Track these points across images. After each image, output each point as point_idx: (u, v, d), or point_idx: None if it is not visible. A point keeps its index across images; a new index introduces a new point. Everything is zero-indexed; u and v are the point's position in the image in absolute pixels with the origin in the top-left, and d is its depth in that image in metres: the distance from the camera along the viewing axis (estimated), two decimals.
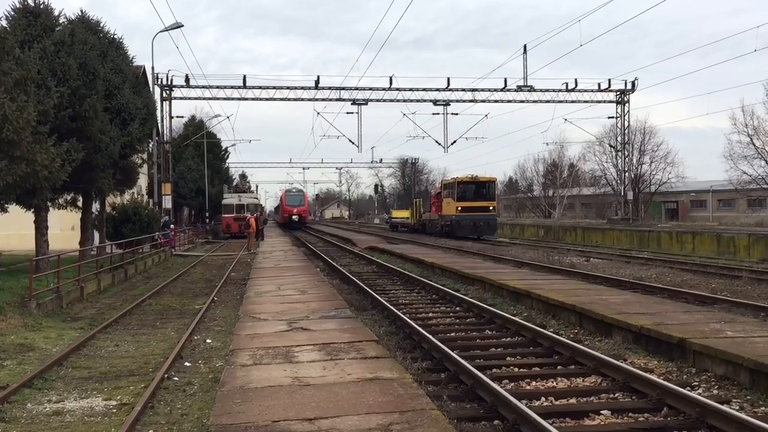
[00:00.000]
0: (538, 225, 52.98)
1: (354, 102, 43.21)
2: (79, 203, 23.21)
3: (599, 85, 44.98)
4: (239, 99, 42.50)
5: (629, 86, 45.22)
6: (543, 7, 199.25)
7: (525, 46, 45.26)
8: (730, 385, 7.58)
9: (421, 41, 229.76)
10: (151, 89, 33.29)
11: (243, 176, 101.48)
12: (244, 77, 41.80)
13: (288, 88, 42.86)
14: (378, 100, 43.62)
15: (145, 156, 33.66)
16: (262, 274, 19.59)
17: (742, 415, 6.09)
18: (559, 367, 8.64)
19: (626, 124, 47.11)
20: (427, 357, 9.22)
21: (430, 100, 44.17)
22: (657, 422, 6.50)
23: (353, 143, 46.10)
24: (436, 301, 15.03)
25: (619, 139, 48.16)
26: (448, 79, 43.58)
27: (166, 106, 41.36)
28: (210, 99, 43.23)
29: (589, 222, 55.10)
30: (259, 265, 22.66)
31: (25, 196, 17.42)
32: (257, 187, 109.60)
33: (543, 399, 7.31)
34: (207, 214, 58.80)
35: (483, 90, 43.80)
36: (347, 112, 44.25)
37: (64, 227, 28.81)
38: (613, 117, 46.93)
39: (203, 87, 42.16)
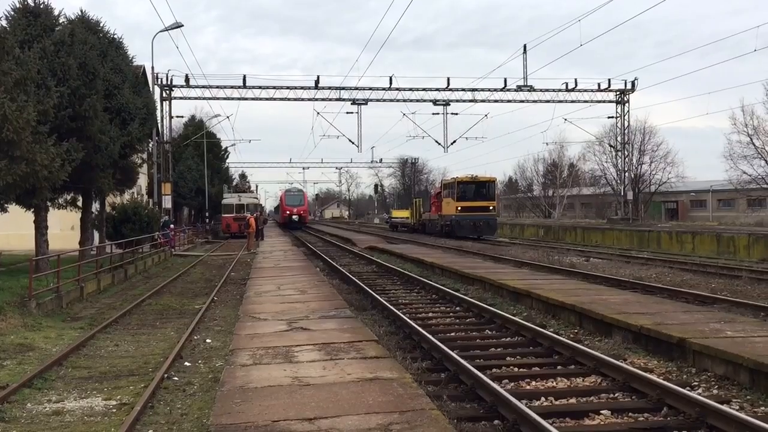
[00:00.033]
0: (538, 225, 52.98)
1: (354, 102, 43.18)
2: (79, 203, 23.21)
3: (599, 85, 44.96)
4: (239, 99, 42.53)
5: (629, 86, 45.22)
6: (543, 7, 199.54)
7: (525, 46, 45.38)
8: (730, 384, 7.59)
9: (421, 41, 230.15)
10: (151, 89, 33.32)
11: (243, 176, 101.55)
12: (244, 77, 41.86)
13: (288, 88, 42.89)
14: (378, 100, 43.62)
15: (145, 156, 33.68)
16: (262, 273, 19.59)
17: (742, 415, 6.09)
18: (559, 367, 8.65)
19: (626, 124, 47.15)
20: (427, 357, 9.22)
21: (430, 100, 44.13)
22: (657, 422, 6.50)
23: (353, 143, 46.17)
24: (435, 301, 15.03)
25: (618, 139, 48.18)
26: (448, 79, 43.63)
27: (166, 106, 41.34)
28: (210, 99, 43.34)
29: (588, 222, 55.07)
30: (259, 265, 22.66)
31: (25, 195, 17.41)
32: (257, 187, 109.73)
33: (543, 399, 7.32)
34: (207, 214, 58.79)
35: (483, 90, 43.79)
36: (347, 112, 44.29)
37: (64, 227, 28.80)
38: (612, 117, 46.94)
39: (203, 87, 42.18)
